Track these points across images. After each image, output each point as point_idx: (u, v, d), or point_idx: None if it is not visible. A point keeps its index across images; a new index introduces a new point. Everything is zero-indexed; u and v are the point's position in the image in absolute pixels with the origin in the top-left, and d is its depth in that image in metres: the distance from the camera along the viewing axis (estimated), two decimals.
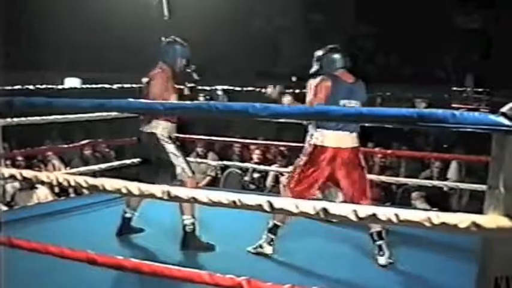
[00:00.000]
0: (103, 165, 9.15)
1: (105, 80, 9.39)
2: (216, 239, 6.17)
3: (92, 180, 3.30)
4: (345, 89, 5.69)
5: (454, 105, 15.82)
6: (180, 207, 5.88)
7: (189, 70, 6.39)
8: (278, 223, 5.87)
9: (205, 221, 6.14)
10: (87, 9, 18.60)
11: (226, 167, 10.77)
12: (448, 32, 17.97)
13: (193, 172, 6.30)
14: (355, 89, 5.76)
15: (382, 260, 5.62)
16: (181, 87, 6.42)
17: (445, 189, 9.45)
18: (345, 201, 5.67)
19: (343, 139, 5.66)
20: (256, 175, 10.99)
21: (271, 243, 5.95)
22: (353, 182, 5.72)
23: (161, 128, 6.11)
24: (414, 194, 9.81)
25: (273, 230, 5.91)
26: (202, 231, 6.16)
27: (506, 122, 2.38)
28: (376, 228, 5.61)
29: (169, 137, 6.16)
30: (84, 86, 12.63)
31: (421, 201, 9.53)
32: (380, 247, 5.64)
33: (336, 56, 5.83)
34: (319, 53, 5.97)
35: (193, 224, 6.05)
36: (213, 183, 11.23)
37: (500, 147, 2.48)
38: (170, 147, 6.13)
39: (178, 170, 6.10)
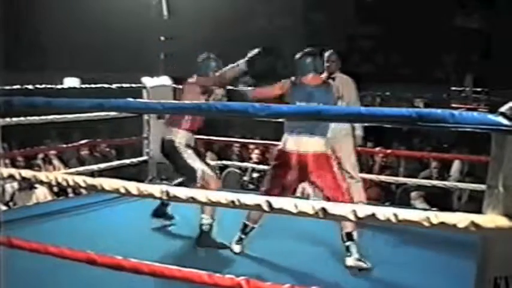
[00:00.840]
0: (102, 165, 9.14)
1: (104, 80, 9.38)
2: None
3: (91, 180, 3.30)
4: (304, 93, 5.64)
5: (453, 105, 15.82)
6: (201, 206, 5.92)
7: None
8: (248, 223, 5.91)
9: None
10: (87, 9, 18.59)
11: (226, 166, 10.76)
12: (447, 32, 17.96)
13: (215, 172, 6.53)
14: (317, 93, 5.65)
15: (349, 261, 5.57)
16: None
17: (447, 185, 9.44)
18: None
19: (304, 143, 5.59)
20: (255, 175, 10.99)
21: (239, 242, 6.02)
22: (326, 185, 5.69)
23: (179, 137, 6.32)
24: (413, 194, 9.82)
25: (244, 229, 5.98)
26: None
27: (505, 121, 2.38)
28: (347, 229, 5.57)
29: (187, 145, 6.34)
30: (83, 85, 12.62)
31: (420, 201, 9.54)
32: (348, 248, 5.60)
33: (307, 60, 5.80)
34: (296, 56, 5.96)
35: (210, 224, 6.13)
36: None
37: (499, 147, 2.48)
38: (186, 155, 6.31)
39: (199, 173, 6.23)
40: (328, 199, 5.57)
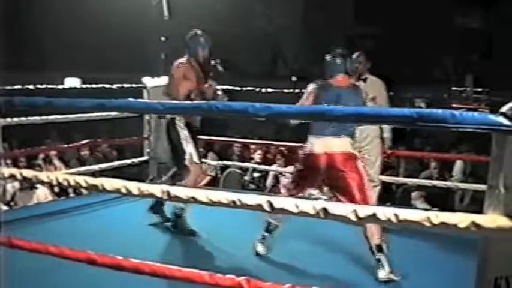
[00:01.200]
0: (103, 165, 9.14)
1: (105, 80, 9.40)
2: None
3: (92, 180, 3.30)
4: (332, 95, 5.57)
5: (454, 105, 15.81)
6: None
7: (213, 62, 6.72)
8: (272, 221, 5.87)
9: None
10: (87, 9, 18.59)
11: (226, 166, 10.76)
12: (448, 32, 17.97)
13: (201, 160, 6.71)
14: (345, 95, 5.57)
15: (381, 274, 5.39)
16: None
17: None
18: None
19: (330, 144, 5.54)
20: (256, 175, 10.99)
21: (263, 240, 5.96)
22: (352, 186, 5.65)
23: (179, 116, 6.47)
24: (414, 194, 9.81)
25: (268, 227, 5.93)
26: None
27: (505, 122, 2.38)
28: (376, 241, 5.43)
29: (186, 124, 6.50)
30: (84, 86, 12.64)
31: (421, 201, 9.53)
32: (379, 260, 5.44)
33: (337, 60, 5.75)
34: (327, 57, 5.90)
35: (182, 208, 6.43)
36: (213, 183, 11.23)
37: (500, 147, 2.48)
38: (183, 133, 6.49)
39: (187, 156, 6.48)
40: (351, 200, 5.45)
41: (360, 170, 5.59)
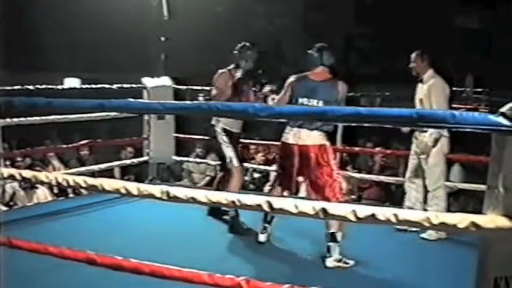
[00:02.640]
0: (103, 165, 9.13)
1: (105, 80, 9.38)
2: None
3: (91, 180, 3.30)
4: (307, 87, 5.77)
5: (453, 105, 15.79)
6: None
7: (257, 73, 6.93)
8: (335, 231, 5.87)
9: None
10: (87, 9, 18.56)
11: None
12: (447, 32, 17.97)
13: (241, 164, 7.01)
14: (320, 88, 5.75)
15: (328, 262, 5.62)
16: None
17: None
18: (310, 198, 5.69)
19: (303, 136, 5.72)
20: (256, 175, 10.98)
21: (264, 231, 6.30)
22: (316, 180, 5.76)
23: (216, 121, 6.86)
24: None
25: (266, 218, 6.20)
26: None
27: (505, 122, 2.38)
28: (330, 229, 5.60)
29: (224, 130, 6.84)
30: (83, 86, 12.62)
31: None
32: (328, 248, 5.63)
33: (314, 54, 5.89)
34: (308, 51, 6.02)
35: (235, 210, 6.61)
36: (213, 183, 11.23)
37: (499, 148, 2.48)
38: (222, 138, 6.84)
39: (227, 159, 6.82)
40: (320, 191, 5.67)
41: (331, 163, 5.74)
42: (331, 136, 7.66)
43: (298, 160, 5.80)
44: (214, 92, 6.89)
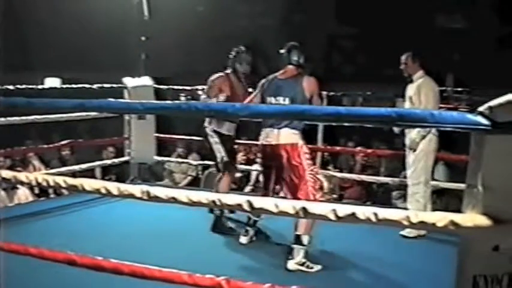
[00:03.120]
0: (84, 165, 9.10)
1: (86, 80, 9.36)
2: None
3: (71, 181, 3.29)
4: (274, 86, 5.87)
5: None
6: None
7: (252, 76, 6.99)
8: (251, 216, 5.98)
9: None
10: (67, 9, 18.49)
11: (207, 166, 10.74)
12: (428, 32, 18.02)
13: (232, 164, 7.19)
14: (285, 86, 5.82)
15: (289, 265, 5.60)
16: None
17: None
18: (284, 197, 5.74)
19: (272, 135, 5.77)
20: (237, 175, 10.98)
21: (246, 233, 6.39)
22: (289, 180, 5.78)
23: (208, 122, 7.00)
24: (395, 193, 9.83)
25: (248, 221, 6.27)
26: None
27: (483, 121, 2.39)
28: (297, 231, 5.61)
29: (214, 131, 6.97)
30: (64, 86, 12.54)
31: (402, 201, 9.55)
32: (291, 251, 5.63)
33: (283, 54, 5.96)
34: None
35: (221, 210, 6.68)
36: (194, 183, 11.23)
37: (478, 146, 2.49)
38: (213, 139, 6.98)
39: (218, 158, 6.94)
40: (292, 189, 5.69)
41: (303, 163, 5.72)
42: (311, 135, 7.70)
43: (272, 160, 5.85)
44: (212, 93, 6.86)
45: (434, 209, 6.62)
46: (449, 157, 9.43)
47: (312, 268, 5.56)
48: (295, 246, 5.60)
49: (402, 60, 7.08)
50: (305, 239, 5.58)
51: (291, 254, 5.60)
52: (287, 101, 5.73)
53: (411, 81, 7.07)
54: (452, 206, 8.96)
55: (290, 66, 5.90)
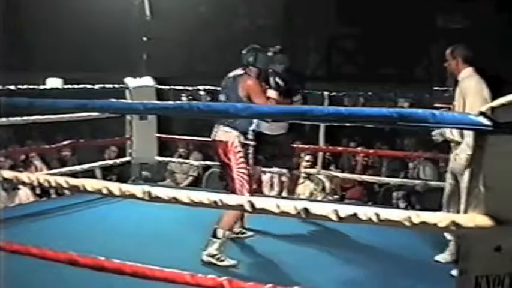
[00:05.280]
0: (85, 166, 9.10)
1: (87, 80, 9.36)
2: None
3: (73, 181, 3.29)
4: (223, 84, 6.05)
5: (436, 105, 15.81)
6: None
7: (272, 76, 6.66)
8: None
9: None
10: (69, 9, 18.47)
11: (209, 167, 10.75)
12: (429, 31, 18.01)
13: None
14: (228, 84, 5.97)
15: (203, 256, 5.70)
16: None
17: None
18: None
19: (214, 131, 5.93)
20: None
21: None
22: (225, 173, 5.94)
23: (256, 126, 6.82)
24: (396, 194, 9.84)
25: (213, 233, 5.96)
26: None
27: (485, 121, 2.39)
28: (216, 225, 5.69)
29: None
30: (66, 86, 12.54)
31: (403, 201, 9.56)
32: (207, 243, 5.71)
33: (243, 54, 6.10)
34: None
35: None
36: (196, 184, 11.24)
37: (480, 147, 2.49)
38: None
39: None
40: (230, 186, 5.80)
41: (230, 159, 5.81)
42: (314, 135, 7.72)
43: (215, 156, 6.09)
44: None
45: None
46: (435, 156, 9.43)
47: (222, 261, 5.66)
48: (210, 238, 5.71)
49: (446, 57, 5.92)
50: (220, 233, 5.68)
51: (206, 246, 5.71)
52: (223, 98, 5.96)
53: (457, 82, 5.87)
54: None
55: (247, 67, 6.03)
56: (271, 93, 6.31)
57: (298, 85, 7.20)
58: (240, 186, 5.74)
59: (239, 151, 5.81)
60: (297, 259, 5.92)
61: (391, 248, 6.26)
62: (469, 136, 5.18)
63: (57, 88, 10.82)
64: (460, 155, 5.50)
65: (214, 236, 5.69)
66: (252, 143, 6.62)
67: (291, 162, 7.49)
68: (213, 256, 5.66)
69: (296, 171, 7.53)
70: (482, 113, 2.42)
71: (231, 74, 6.02)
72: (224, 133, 5.81)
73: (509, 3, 15.44)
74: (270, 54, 6.57)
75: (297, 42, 17.14)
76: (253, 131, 6.68)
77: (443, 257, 5.88)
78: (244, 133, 5.89)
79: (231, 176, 5.78)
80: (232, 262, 5.69)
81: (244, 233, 6.69)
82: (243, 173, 5.78)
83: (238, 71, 6.00)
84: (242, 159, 5.82)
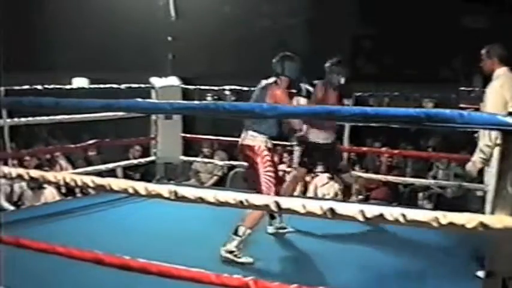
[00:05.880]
0: (110, 165, 9.14)
1: (113, 80, 9.41)
2: None
3: (99, 180, 3.30)
4: (254, 93, 6.22)
5: (462, 105, 15.74)
6: None
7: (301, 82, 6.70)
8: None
9: None
10: (94, 9, 18.59)
11: (233, 166, 10.75)
12: (455, 32, 17.91)
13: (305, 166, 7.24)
14: (258, 93, 6.14)
15: (221, 251, 5.75)
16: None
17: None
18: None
19: (243, 136, 6.05)
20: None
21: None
22: (252, 176, 6.05)
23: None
24: (421, 194, 9.79)
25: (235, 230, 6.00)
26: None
27: None
28: (239, 222, 5.75)
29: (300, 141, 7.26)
30: (92, 86, 12.60)
31: (428, 202, 9.51)
32: (229, 238, 5.77)
33: (273, 63, 6.20)
34: None
35: None
36: (220, 183, 11.25)
37: (507, 147, 2.47)
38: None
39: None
40: (257, 188, 5.87)
41: (258, 164, 5.92)
42: (338, 135, 7.71)
43: (244, 160, 6.24)
44: (312, 97, 6.87)
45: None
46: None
47: (239, 258, 5.71)
48: (231, 235, 5.76)
49: (482, 56, 5.85)
50: (241, 231, 5.74)
51: (228, 240, 5.76)
52: None
53: (487, 83, 5.80)
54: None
55: (282, 76, 6.13)
56: (302, 100, 6.42)
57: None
58: (267, 189, 5.82)
59: (266, 155, 5.92)
60: (327, 258, 5.91)
61: (426, 247, 6.22)
62: (483, 139, 5.31)
63: (83, 88, 10.87)
64: (474, 157, 5.47)
65: (236, 233, 5.75)
66: (297, 147, 7.27)
67: (343, 167, 7.48)
68: (231, 252, 5.72)
69: (347, 174, 7.47)
70: (510, 113, 2.40)
71: (263, 83, 6.13)
72: (252, 138, 5.95)
73: None
74: (296, 62, 6.54)
75: (320, 42, 17.07)
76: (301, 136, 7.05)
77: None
78: (271, 138, 5.99)
79: (258, 180, 5.87)
80: (250, 260, 5.72)
81: (284, 228, 6.74)
82: (270, 176, 5.88)
83: (270, 80, 6.11)
84: (269, 163, 5.92)
